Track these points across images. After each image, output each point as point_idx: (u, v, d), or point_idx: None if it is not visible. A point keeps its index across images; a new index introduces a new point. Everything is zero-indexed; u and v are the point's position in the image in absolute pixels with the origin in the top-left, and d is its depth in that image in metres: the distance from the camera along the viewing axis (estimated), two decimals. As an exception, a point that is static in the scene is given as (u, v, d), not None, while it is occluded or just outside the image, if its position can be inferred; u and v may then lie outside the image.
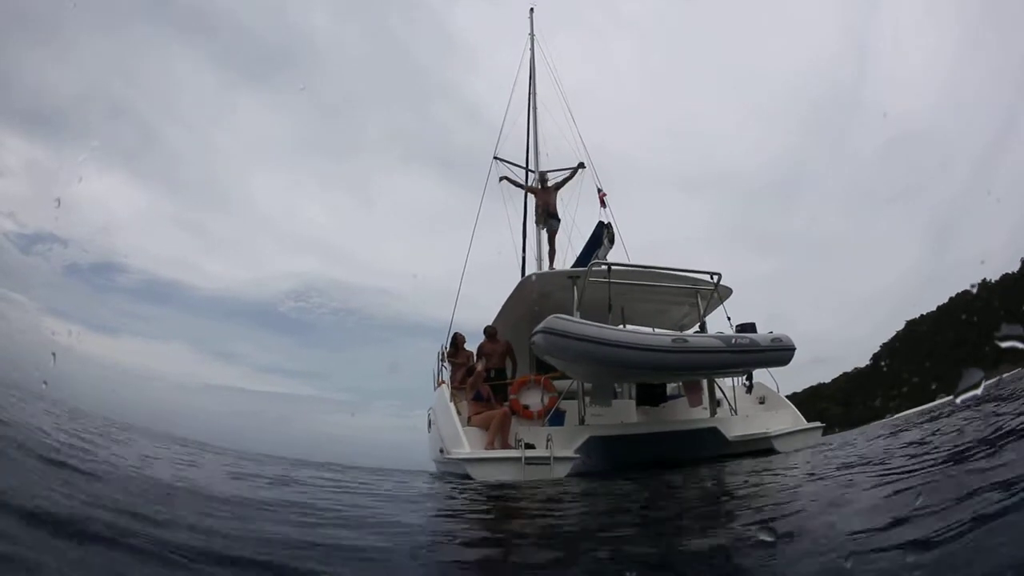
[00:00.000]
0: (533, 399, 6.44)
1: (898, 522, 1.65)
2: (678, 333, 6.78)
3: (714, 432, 6.26)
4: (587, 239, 8.46)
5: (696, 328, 7.10)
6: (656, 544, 2.08)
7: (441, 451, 6.14)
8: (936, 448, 3.27)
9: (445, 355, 7.95)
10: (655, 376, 6.55)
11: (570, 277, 6.60)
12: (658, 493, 3.96)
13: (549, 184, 9.26)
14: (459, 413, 6.06)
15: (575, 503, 3.68)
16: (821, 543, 1.63)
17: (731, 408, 6.82)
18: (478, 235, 10.95)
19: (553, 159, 11.58)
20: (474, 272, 10.57)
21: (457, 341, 7.77)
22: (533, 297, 7.33)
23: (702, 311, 6.98)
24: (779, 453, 6.00)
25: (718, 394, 6.85)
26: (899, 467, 2.92)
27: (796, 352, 5.92)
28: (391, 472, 6.57)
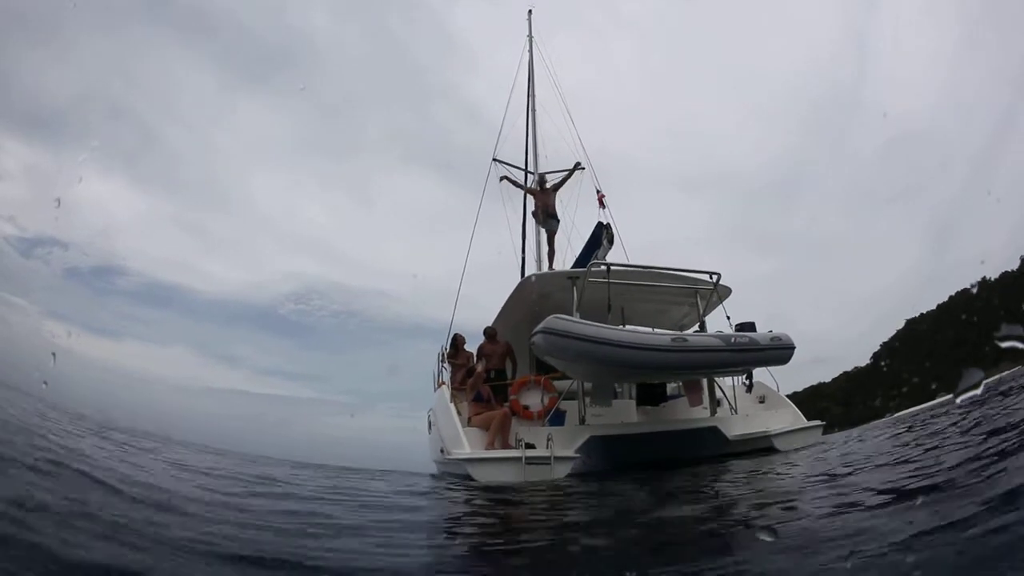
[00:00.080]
0: (533, 399, 6.43)
1: (898, 522, 1.65)
2: (678, 332, 6.78)
3: (714, 431, 6.26)
4: (586, 240, 8.47)
5: (696, 328, 7.10)
6: (656, 544, 2.08)
7: (442, 452, 6.14)
8: (936, 447, 3.27)
9: (445, 356, 7.95)
10: (655, 375, 6.56)
11: (570, 278, 6.60)
12: (658, 493, 3.96)
13: (548, 185, 9.27)
14: (459, 414, 6.06)
15: (575, 504, 3.69)
16: (821, 543, 1.63)
17: (731, 407, 6.81)
18: (478, 236, 10.98)
19: (552, 160, 11.61)
20: (474, 273, 10.59)
21: (457, 342, 7.77)
22: (533, 298, 7.33)
23: (701, 311, 6.98)
24: (779, 452, 6.01)
25: (718, 393, 6.85)
26: (899, 466, 2.92)
27: (796, 351, 5.91)
28: (390, 473, 6.57)
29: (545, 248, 9.73)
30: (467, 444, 5.53)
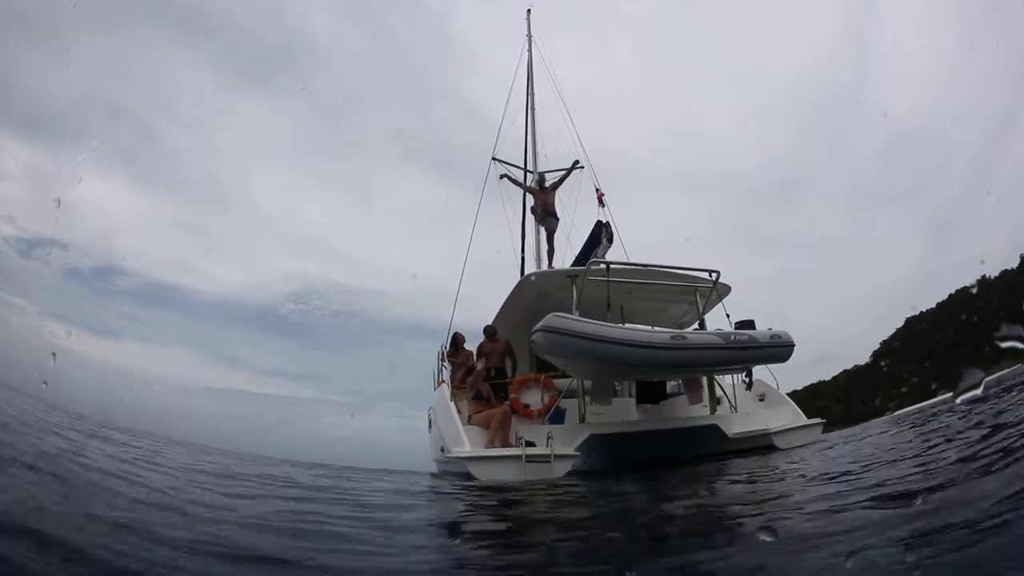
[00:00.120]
0: (533, 398, 6.44)
1: (898, 521, 1.65)
2: (677, 330, 6.78)
3: (714, 429, 6.26)
4: (586, 238, 8.47)
5: (695, 326, 7.10)
6: (656, 543, 2.09)
7: (442, 450, 6.14)
8: (936, 446, 3.27)
9: (445, 355, 7.95)
10: (655, 373, 6.56)
11: (569, 276, 6.60)
12: (658, 491, 3.96)
13: (547, 184, 9.27)
14: (459, 412, 6.06)
15: (574, 502, 3.69)
16: (821, 542, 1.63)
17: (731, 405, 6.82)
18: (477, 235, 10.98)
19: (552, 160, 11.62)
20: (473, 272, 10.58)
21: (457, 341, 7.78)
22: (532, 296, 7.33)
23: (701, 309, 6.98)
24: (779, 450, 6.01)
25: (718, 391, 6.86)
26: (899, 465, 2.92)
27: (796, 350, 5.92)
28: (391, 472, 6.57)
29: (544, 247, 9.76)
30: (467, 442, 5.53)
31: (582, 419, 6.26)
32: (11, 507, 1.69)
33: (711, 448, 6.19)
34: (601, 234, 7.92)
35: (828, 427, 7.21)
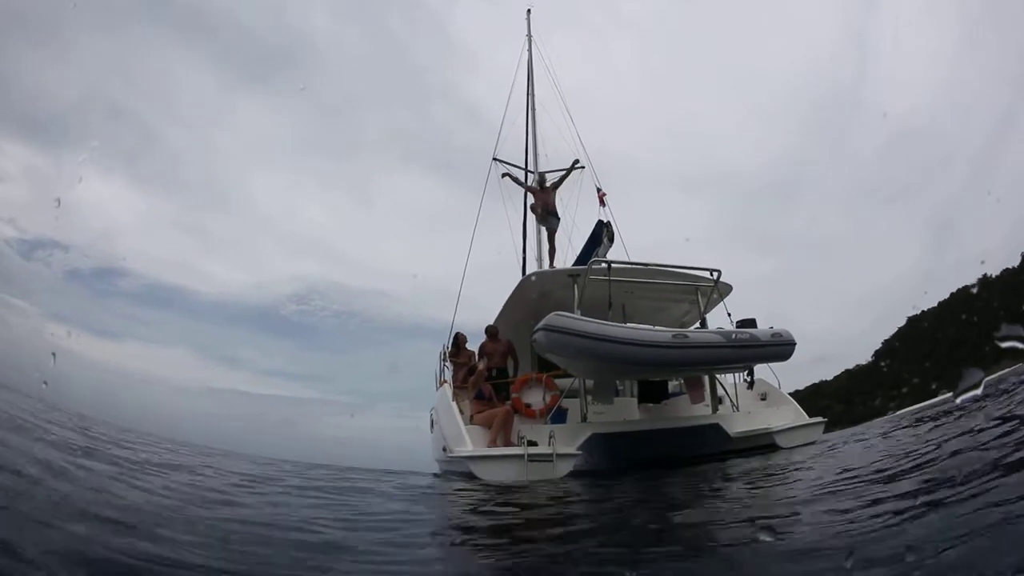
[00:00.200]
0: (535, 397, 6.44)
1: (899, 520, 1.65)
2: (679, 329, 6.78)
3: (716, 428, 6.26)
4: (587, 238, 8.47)
5: (697, 325, 7.10)
6: (656, 543, 2.09)
7: (444, 450, 6.15)
8: (936, 446, 3.28)
9: (447, 355, 7.96)
10: (656, 372, 6.56)
11: (570, 275, 6.60)
12: (659, 490, 3.97)
13: (548, 184, 9.27)
14: (461, 412, 6.07)
15: (576, 502, 3.69)
16: (821, 542, 1.63)
17: (733, 404, 6.82)
18: (478, 235, 10.98)
19: (552, 160, 11.63)
20: (474, 272, 10.59)
21: (459, 341, 7.78)
22: (534, 296, 7.33)
23: (702, 308, 6.97)
24: (781, 449, 6.01)
25: (720, 391, 6.86)
26: (899, 464, 2.92)
27: (797, 350, 5.91)
28: (392, 472, 6.58)
29: (546, 246, 9.75)
30: (469, 442, 5.54)
31: (584, 418, 6.27)
32: (10, 507, 1.70)
33: (713, 447, 6.19)
34: (602, 233, 7.92)
35: (830, 427, 7.21)
